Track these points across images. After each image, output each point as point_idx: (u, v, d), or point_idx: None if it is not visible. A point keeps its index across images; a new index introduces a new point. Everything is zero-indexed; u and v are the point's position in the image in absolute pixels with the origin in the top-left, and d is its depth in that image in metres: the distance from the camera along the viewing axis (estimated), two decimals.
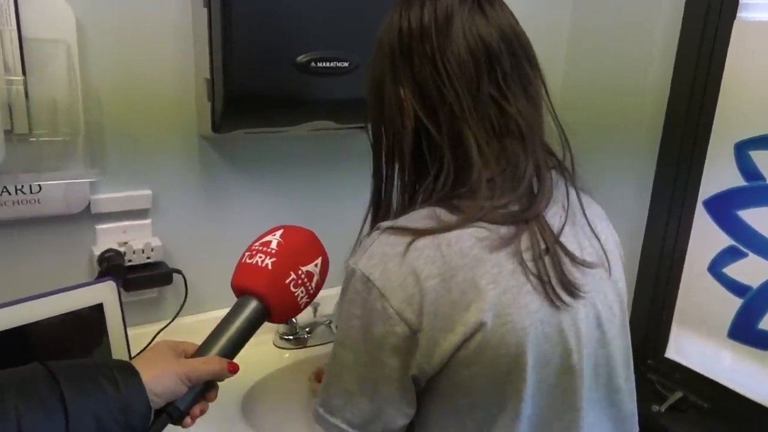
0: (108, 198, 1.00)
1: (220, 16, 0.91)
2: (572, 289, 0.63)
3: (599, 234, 0.70)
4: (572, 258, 0.64)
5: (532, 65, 0.67)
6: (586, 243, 0.68)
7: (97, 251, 1.00)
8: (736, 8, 1.18)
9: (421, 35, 0.64)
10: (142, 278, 1.03)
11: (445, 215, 0.62)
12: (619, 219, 0.80)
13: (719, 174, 1.25)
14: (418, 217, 0.63)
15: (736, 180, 1.22)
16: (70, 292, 0.78)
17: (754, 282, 1.22)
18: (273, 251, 0.70)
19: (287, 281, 0.71)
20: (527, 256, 0.61)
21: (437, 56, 0.63)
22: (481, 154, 0.63)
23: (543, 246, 0.62)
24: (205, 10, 0.93)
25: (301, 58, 0.96)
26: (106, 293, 0.81)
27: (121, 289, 0.85)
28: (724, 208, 1.25)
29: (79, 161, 0.91)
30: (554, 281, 0.62)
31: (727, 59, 1.20)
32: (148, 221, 1.05)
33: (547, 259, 0.62)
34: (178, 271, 1.06)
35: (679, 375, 1.35)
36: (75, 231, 0.99)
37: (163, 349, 0.65)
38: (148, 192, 1.03)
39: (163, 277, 1.05)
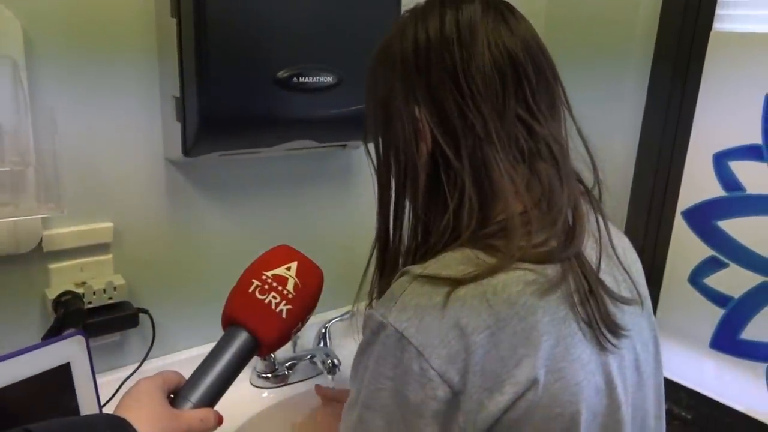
0: (63, 233, 0.87)
1: (192, 26, 0.81)
2: (617, 331, 0.58)
3: (629, 267, 0.65)
4: (611, 296, 0.59)
5: (556, 80, 0.61)
6: (620, 277, 0.63)
7: (52, 294, 0.87)
8: (712, 20, 1.17)
9: (441, 48, 0.57)
10: (104, 322, 0.90)
11: (484, 257, 0.55)
12: None
13: (698, 184, 1.24)
14: (453, 262, 0.55)
15: (716, 190, 1.22)
16: (29, 354, 0.65)
17: (736, 292, 1.22)
18: (289, 296, 0.63)
19: (293, 330, 0.65)
20: (576, 298, 0.55)
21: (459, 72, 0.56)
22: (511, 182, 0.56)
23: (587, 286, 0.56)
24: (174, 20, 0.83)
25: (282, 73, 0.88)
26: (73, 350, 0.69)
27: None
28: (703, 219, 1.25)
29: (29, 194, 0.79)
30: (600, 324, 0.56)
31: (704, 69, 1.19)
32: (109, 257, 0.93)
33: (592, 300, 0.56)
34: (145, 311, 0.95)
35: None
36: (24, 273, 0.86)
37: (154, 394, 0.57)
38: (108, 224, 0.91)
39: (128, 318, 0.93)
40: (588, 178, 0.64)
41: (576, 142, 0.63)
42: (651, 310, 0.69)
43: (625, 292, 0.62)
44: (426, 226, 0.62)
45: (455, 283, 0.52)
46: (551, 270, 0.55)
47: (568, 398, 0.53)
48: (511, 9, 0.61)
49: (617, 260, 0.64)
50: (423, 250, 0.62)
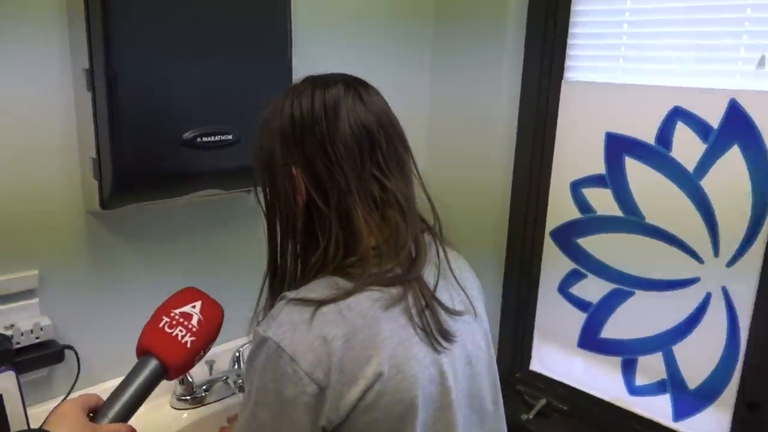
0: None
1: (105, 99, 0.94)
2: (448, 336, 0.75)
3: (464, 284, 0.83)
4: (446, 309, 0.76)
5: (405, 147, 0.79)
6: (455, 294, 0.81)
7: None
8: (563, 71, 1.40)
9: (312, 123, 0.73)
10: (32, 359, 1.01)
11: (342, 283, 0.71)
12: (480, 256, 0.93)
13: (560, 208, 1.46)
14: (319, 287, 0.71)
15: (574, 213, 1.44)
16: None
17: (594, 299, 1.44)
18: (194, 329, 0.77)
19: (196, 358, 0.79)
20: (414, 311, 0.72)
21: (327, 141, 0.72)
22: (367, 225, 0.73)
23: (424, 302, 0.73)
24: (89, 93, 0.96)
25: (187, 135, 1.01)
26: (5, 384, 0.80)
27: None
28: (566, 237, 1.47)
29: None
30: (434, 330, 0.73)
31: (559, 113, 1.42)
32: (35, 301, 1.03)
33: (428, 312, 0.73)
34: (70, 347, 1.06)
35: (542, 384, 1.55)
36: None
37: (76, 412, 0.69)
38: (34, 272, 1.02)
39: (54, 355, 1.04)
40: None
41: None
42: (483, 319, 0.86)
43: (458, 306, 0.80)
44: (304, 258, 0.78)
45: (319, 303, 0.69)
46: (395, 290, 0.72)
47: (407, 386, 0.70)
48: (366, 87, 0.78)
49: (454, 281, 0.82)
50: (302, 277, 0.77)
